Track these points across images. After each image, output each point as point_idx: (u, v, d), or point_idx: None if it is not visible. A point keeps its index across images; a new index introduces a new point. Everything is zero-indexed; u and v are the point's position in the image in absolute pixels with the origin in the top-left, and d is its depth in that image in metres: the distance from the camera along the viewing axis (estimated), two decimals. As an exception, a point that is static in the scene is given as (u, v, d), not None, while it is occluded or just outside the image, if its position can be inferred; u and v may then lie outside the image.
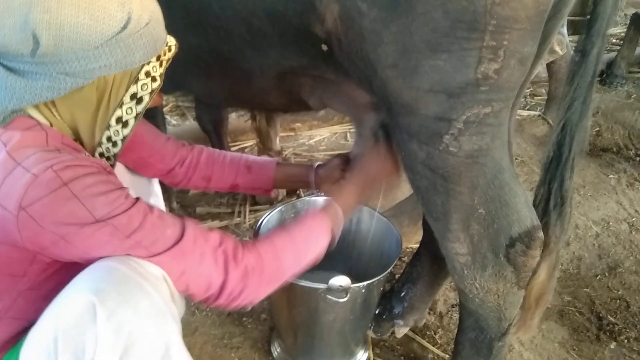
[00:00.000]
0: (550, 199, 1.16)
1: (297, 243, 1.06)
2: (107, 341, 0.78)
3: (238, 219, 2.35)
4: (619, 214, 2.41)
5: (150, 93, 0.97)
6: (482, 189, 1.07)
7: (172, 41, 1.00)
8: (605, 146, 3.06)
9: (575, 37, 4.98)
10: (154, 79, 0.97)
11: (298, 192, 2.51)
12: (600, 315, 1.86)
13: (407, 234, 1.93)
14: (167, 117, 3.29)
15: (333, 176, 1.37)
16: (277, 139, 2.72)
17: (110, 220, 0.83)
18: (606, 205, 2.48)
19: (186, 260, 0.90)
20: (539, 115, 3.41)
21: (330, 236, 1.13)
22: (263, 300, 1.74)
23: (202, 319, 1.77)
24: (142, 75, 0.94)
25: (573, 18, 3.82)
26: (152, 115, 1.98)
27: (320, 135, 3.16)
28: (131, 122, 0.98)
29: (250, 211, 2.39)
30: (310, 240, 1.09)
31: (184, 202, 2.46)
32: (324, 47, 1.12)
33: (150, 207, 0.90)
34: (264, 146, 2.69)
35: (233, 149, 2.91)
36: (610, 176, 2.74)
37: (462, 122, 1.00)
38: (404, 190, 2.01)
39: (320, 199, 1.70)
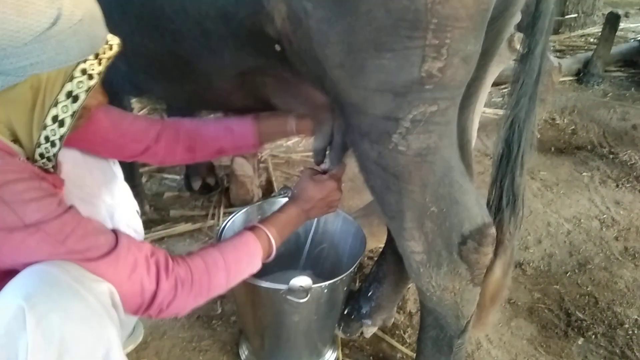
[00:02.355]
0: (502, 196, 1.17)
1: (227, 261, 1.07)
2: (38, 347, 0.76)
3: (212, 221, 2.34)
4: (590, 211, 2.44)
5: (87, 91, 0.94)
6: (432, 187, 1.08)
7: (114, 40, 0.98)
8: (580, 144, 3.10)
9: (554, 37, 5.00)
10: (90, 77, 0.93)
11: (273, 193, 2.52)
12: (569, 311, 1.87)
13: (377, 233, 1.93)
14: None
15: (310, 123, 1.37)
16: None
17: (41, 226, 0.82)
18: (578, 203, 2.51)
19: (120, 267, 0.90)
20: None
21: (261, 258, 1.16)
22: (233, 303, 1.76)
23: (170, 322, 1.76)
24: (77, 73, 0.91)
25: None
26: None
27: (298, 137, 3.16)
28: (67, 121, 0.95)
29: (224, 213, 2.39)
30: (241, 259, 1.11)
31: (157, 205, 2.45)
32: (277, 47, 1.12)
33: (83, 216, 0.90)
34: (240, 148, 2.69)
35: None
36: (584, 174, 2.77)
37: (409, 121, 1.00)
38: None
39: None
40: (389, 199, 1.14)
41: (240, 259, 1.10)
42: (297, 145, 3.08)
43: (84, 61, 0.92)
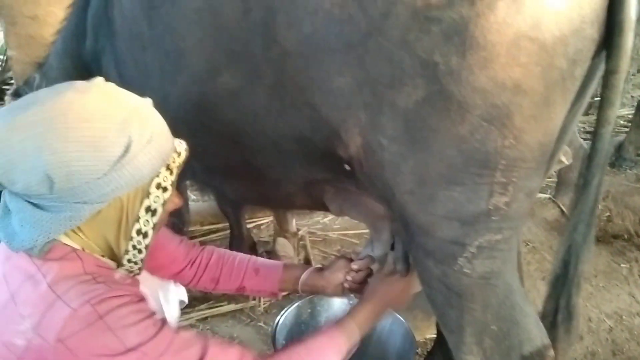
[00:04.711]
0: (557, 313, 1.20)
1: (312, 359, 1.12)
2: None
3: (253, 301, 2.39)
4: (632, 307, 2.42)
5: (163, 204, 1.02)
6: (494, 307, 1.13)
7: (181, 146, 1.05)
8: (616, 233, 3.08)
9: (584, 118, 5.00)
10: (165, 189, 1.01)
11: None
12: (616, 417, 1.84)
13: (421, 327, 1.96)
14: (187, 192, 3.40)
15: (338, 278, 1.43)
16: (294, 220, 2.80)
17: (140, 348, 0.89)
18: (619, 297, 2.49)
19: None
20: (549, 198, 3.47)
21: (345, 353, 1.18)
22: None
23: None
24: (153, 188, 0.99)
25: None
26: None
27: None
28: (150, 233, 1.03)
29: (265, 293, 2.43)
30: (326, 357, 1.15)
31: (201, 283, 2.51)
32: (347, 167, 1.22)
33: (175, 329, 0.98)
34: (280, 227, 2.78)
35: (249, 225, 2.99)
36: (622, 265, 2.76)
37: (475, 247, 1.07)
38: (416, 284, 2.05)
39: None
40: (449, 314, 1.18)
41: (324, 356, 1.13)
42: (334, 223, 3.15)
43: (157, 175, 0.99)
